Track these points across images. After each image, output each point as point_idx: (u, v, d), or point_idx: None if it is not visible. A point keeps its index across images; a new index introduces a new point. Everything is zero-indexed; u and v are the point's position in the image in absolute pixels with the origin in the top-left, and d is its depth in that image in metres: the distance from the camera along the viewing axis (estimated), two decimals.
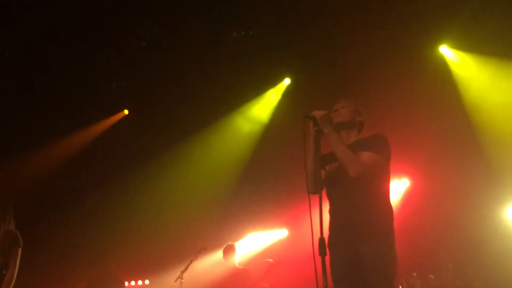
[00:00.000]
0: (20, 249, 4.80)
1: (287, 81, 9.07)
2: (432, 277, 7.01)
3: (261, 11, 7.62)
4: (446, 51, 8.00)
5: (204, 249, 7.04)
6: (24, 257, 4.88)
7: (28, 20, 7.25)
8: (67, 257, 8.95)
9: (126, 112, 9.58)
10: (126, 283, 9.11)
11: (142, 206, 9.29)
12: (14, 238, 4.80)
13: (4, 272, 4.66)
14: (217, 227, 8.95)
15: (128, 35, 8.01)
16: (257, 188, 9.36)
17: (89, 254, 8.98)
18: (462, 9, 7.08)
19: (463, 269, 6.95)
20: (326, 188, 3.57)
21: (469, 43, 7.66)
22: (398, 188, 8.36)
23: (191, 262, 6.86)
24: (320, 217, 2.86)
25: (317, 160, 3.39)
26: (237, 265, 7.34)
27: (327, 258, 2.87)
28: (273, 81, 9.12)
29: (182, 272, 6.73)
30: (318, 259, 2.86)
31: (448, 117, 7.83)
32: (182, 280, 6.59)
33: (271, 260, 8.02)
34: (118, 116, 9.54)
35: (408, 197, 8.22)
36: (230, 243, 7.57)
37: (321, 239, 2.85)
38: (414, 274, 6.95)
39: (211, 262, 8.39)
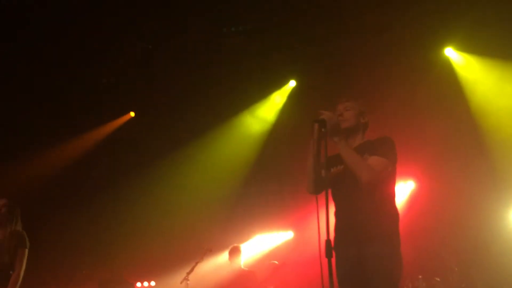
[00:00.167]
0: (26, 250, 4.79)
1: (292, 83, 9.08)
2: (438, 279, 6.99)
3: (266, 12, 7.63)
4: (452, 53, 7.98)
5: (209, 250, 7.05)
6: (32, 258, 4.90)
7: (32, 24, 7.29)
8: (74, 258, 8.99)
9: (132, 114, 9.62)
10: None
11: (148, 208, 9.31)
12: (21, 238, 4.81)
13: (11, 272, 4.68)
14: (223, 229, 8.97)
15: (134, 35, 8.03)
16: (263, 190, 9.38)
17: (95, 255, 9.01)
18: (468, 11, 7.07)
19: (468, 271, 6.94)
20: (332, 190, 3.58)
21: (474, 45, 7.62)
22: (404, 190, 8.35)
23: (196, 263, 6.87)
24: (326, 219, 2.86)
25: (318, 160, 3.40)
26: (242, 266, 7.35)
27: (333, 259, 2.87)
28: (279, 83, 9.13)
29: (188, 273, 6.75)
30: (325, 260, 2.86)
31: (453, 119, 7.82)
32: (188, 282, 6.60)
33: (276, 262, 8.04)
34: (125, 118, 9.58)
35: (414, 199, 8.21)
36: (235, 244, 7.58)
37: (327, 241, 2.85)
38: (420, 276, 6.94)
39: (217, 263, 8.41)
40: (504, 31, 7.02)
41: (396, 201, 3.49)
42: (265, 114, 9.43)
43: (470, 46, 7.73)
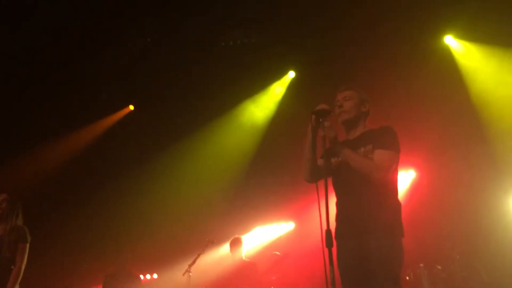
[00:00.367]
0: (27, 245, 4.80)
1: (291, 74, 9.05)
2: (439, 267, 7.01)
3: (266, 5, 7.60)
4: (451, 41, 7.93)
5: (211, 242, 7.03)
6: (35, 253, 4.90)
7: (32, 20, 7.26)
8: (75, 252, 9.02)
9: (131, 107, 9.60)
10: None
11: (149, 201, 9.32)
12: (22, 233, 4.81)
13: (12, 267, 4.68)
14: (224, 221, 8.97)
15: (134, 28, 8.00)
16: (264, 181, 9.37)
17: (97, 249, 9.03)
18: None
19: (470, 260, 6.94)
20: (333, 180, 3.57)
21: (474, 33, 7.58)
22: (405, 179, 8.35)
23: (198, 255, 6.86)
24: (326, 209, 2.86)
25: (313, 148, 3.39)
26: (244, 258, 7.36)
27: (334, 250, 2.87)
28: (278, 74, 9.10)
29: (190, 265, 6.74)
30: (326, 250, 2.86)
31: (453, 108, 7.78)
32: (190, 274, 6.59)
33: (278, 253, 8.05)
34: (124, 111, 9.56)
35: (415, 189, 8.21)
36: (236, 236, 7.58)
37: (328, 231, 2.85)
38: (421, 265, 6.96)
39: (218, 255, 8.42)
40: (504, 19, 6.96)
41: (398, 190, 3.48)
42: (264, 105, 9.41)
43: (470, 34, 7.69)
